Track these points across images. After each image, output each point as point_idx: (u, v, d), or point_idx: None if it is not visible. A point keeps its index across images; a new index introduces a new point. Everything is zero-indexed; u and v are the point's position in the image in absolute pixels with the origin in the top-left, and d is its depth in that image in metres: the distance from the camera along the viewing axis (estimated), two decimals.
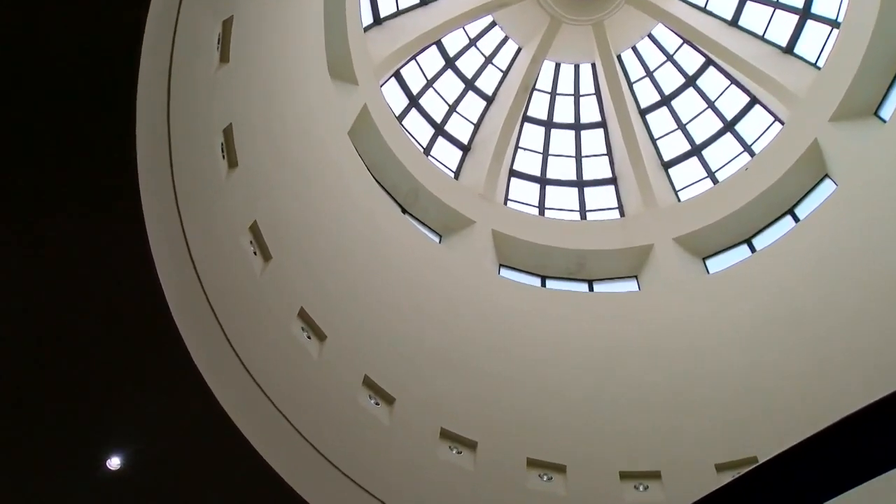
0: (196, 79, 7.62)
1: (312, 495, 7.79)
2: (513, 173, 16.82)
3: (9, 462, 7.20)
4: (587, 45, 16.99)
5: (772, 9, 15.13)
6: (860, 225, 10.74)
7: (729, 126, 15.74)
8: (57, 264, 6.20)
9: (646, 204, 15.04)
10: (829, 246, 11.06)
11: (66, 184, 5.87)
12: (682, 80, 16.91)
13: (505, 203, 15.93)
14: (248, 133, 9.16)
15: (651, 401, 10.95)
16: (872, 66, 11.60)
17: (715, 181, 15.14)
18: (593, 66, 17.64)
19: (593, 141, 17.46)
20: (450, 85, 17.02)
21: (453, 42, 17.13)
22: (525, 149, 17.32)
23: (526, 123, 17.47)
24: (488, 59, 17.70)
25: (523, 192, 16.56)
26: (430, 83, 16.59)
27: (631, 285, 14.13)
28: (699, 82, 16.66)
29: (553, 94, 18.03)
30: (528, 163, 17.17)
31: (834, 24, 13.42)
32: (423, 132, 16.02)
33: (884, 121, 11.56)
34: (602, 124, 17.47)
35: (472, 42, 17.53)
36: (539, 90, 17.78)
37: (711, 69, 16.38)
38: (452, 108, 16.89)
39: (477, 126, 17.06)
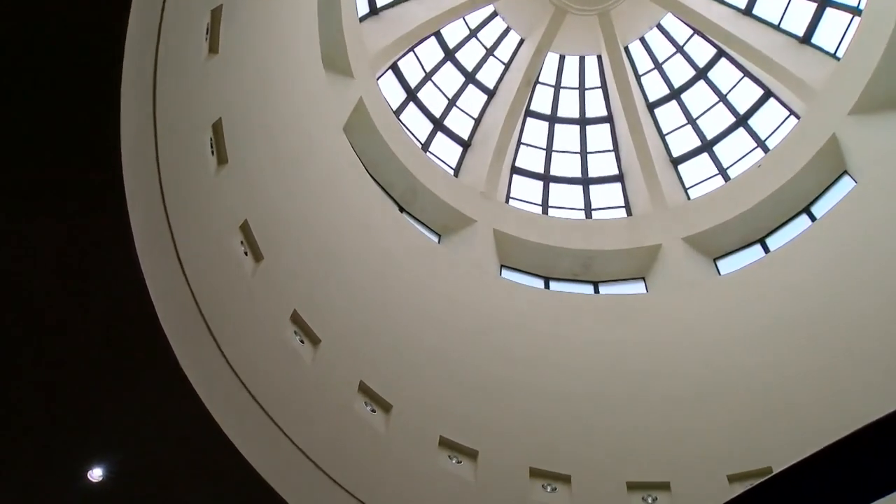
0: (183, 71, 7.60)
1: None
2: (515, 170, 16.81)
3: None
4: (593, 37, 16.98)
5: None
6: (880, 224, 10.72)
7: (742, 120, 15.72)
8: (35, 265, 6.17)
9: (654, 202, 15.03)
10: (848, 246, 11.04)
11: (46, 181, 5.84)
12: (692, 73, 16.89)
13: (507, 201, 15.94)
14: (238, 128, 9.14)
15: (660, 408, 10.93)
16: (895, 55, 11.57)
17: (727, 178, 15.13)
18: (599, 58, 17.63)
19: (599, 136, 17.46)
20: (449, 78, 17.02)
21: (453, 33, 17.15)
22: (528, 145, 17.31)
23: (529, 118, 17.46)
24: (489, 51, 17.68)
25: (526, 190, 16.57)
26: (428, 76, 16.57)
27: (638, 287, 14.12)
28: (710, 75, 16.64)
29: (557, 87, 18.01)
30: (530, 159, 17.17)
31: (855, 11, 13.36)
32: (421, 127, 16.02)
33: None
34: (608, 119, 17.45)
35: (473, 33, 17.51)
36: (542, 83, 17.77)
37: (723, 61, 16.36)
38: (452, 103, 16.87)
39: (478, 121, 17.04)
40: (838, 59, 13.35)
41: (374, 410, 9.91)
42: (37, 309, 6.36)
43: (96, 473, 7.18)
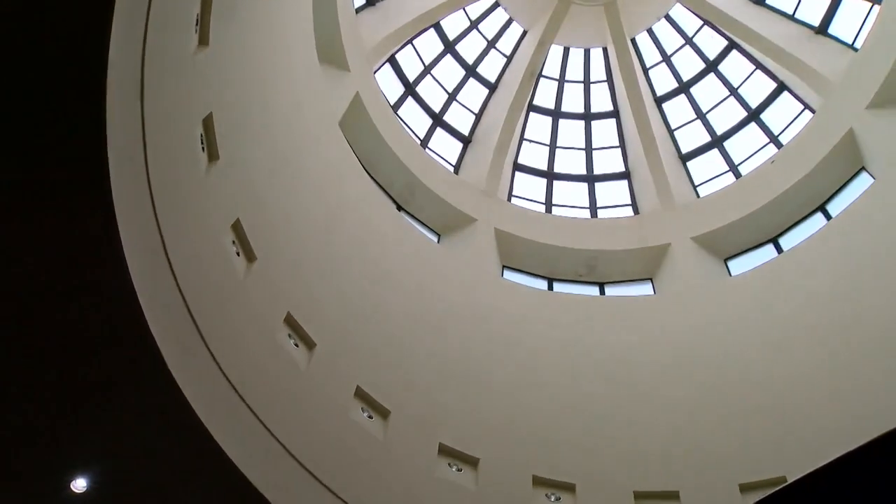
0: (172, 64, 7.59)
1: None
2: (517, 167, 16.81)
3: None
4: (598, 28, 16.98)
5: None
6: None
7: (754, 115, 15.71)
8: (17, 267, 6.14)
9: (662, 200, 15.03)
10: (865, 246, 11.02)
11: (27, 181, 5.82)
12: (702, 66, 16.89)
13: (509, 199, 15.94)
14: (230, 123, 9.13)
15: (668, 414, 10.93)
16: None
17: (738, 175, 15.12)
18: (605, 50, 17.63)
19: (605, 132, 17.46)
20: (449, 71, 17.02)
21: (453, 24, 17.15)
22: (531, 141, 17.32)
23: (532, 113, 17.47)
24: (491, 44, 17.69)
25: (529, 188, 16.56)
26: (427, 69, 16.57)
27: (646, 289, 14.12)
28: (721, 67, 16.64)
29: (561, 81, 18.01)
30: (533, 156, 17.18)
31: None
32: (420, 122, 16.02)
33: None
34: (614, 114, 17.46)
35: (474, 24, 17.51)
36: (546, 77, 17.76)
37: (735, 53, 16.36)
38: (452, 97, 16.87)
39: (479, 116, 17.05)
40: (856, 49, 13.33)
41: (371, 417, 9.91)
42: (19, 312, 6.33)
43: (80, 484, 7.15)
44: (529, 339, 12.21)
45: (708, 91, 16.69)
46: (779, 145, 14.69)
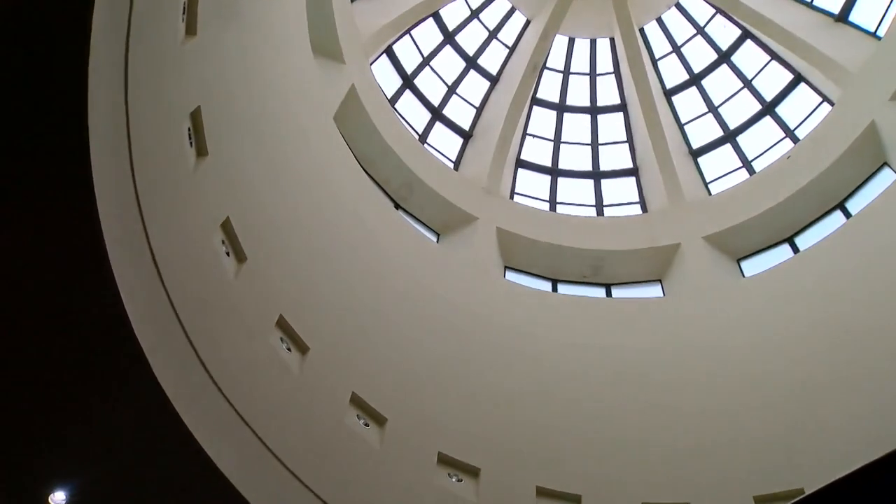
0: (158, 54, 7.58)
1: None
2: (520, 163, 16.82)
3: None
4: (605, 17, 16.98)
5: None
6: None
7: (769, 108, 15.72)
8: None
9: (671, 198, 15.03)
10: (886, 245, 10.99)
11: (7, 174, 5.80)
12: (714, 56, 16.89)
13: (511, 197, 15.94)
14: (219, 117, 9.12)
15: (679, 422, 10.92)
16: None
17: (752, 171, 15.11)
18: (612, 40, 17.63)
19: (612, 126, 17.47)
20: (449, 63, 17.02)
21: (453, 14, 17.14)
22: (534, 135, 17.32)
23: (535, 107, 17.47)
24: (493, 34, 17.69)
25: (532, 185, 16.57)
26: (426, 61, 16.57)
27: (655, 290, 14.12)
28: (734, 58, 16.64)
29: (566, 73, 18.02)
30: (537, 151, 17.19)
31: None
32: (418, 117, 16.03)
33: None
34: (622, 107, 17.46)
35: (475, 14, 17.51)
36: (550, 69, 17.77)
37: (749, 43, 16.36)
38: (452, 90, 16.87)
39: (479, 110, 17.04)
40: (879, 38, 13.30)
41: (367, 424, 9.90)
42: None
43: (58, 497, 7.11)
44: (532, 342, 12.20)
45: (720, 83, 16.70)
46: (795, 140, 14.67)
